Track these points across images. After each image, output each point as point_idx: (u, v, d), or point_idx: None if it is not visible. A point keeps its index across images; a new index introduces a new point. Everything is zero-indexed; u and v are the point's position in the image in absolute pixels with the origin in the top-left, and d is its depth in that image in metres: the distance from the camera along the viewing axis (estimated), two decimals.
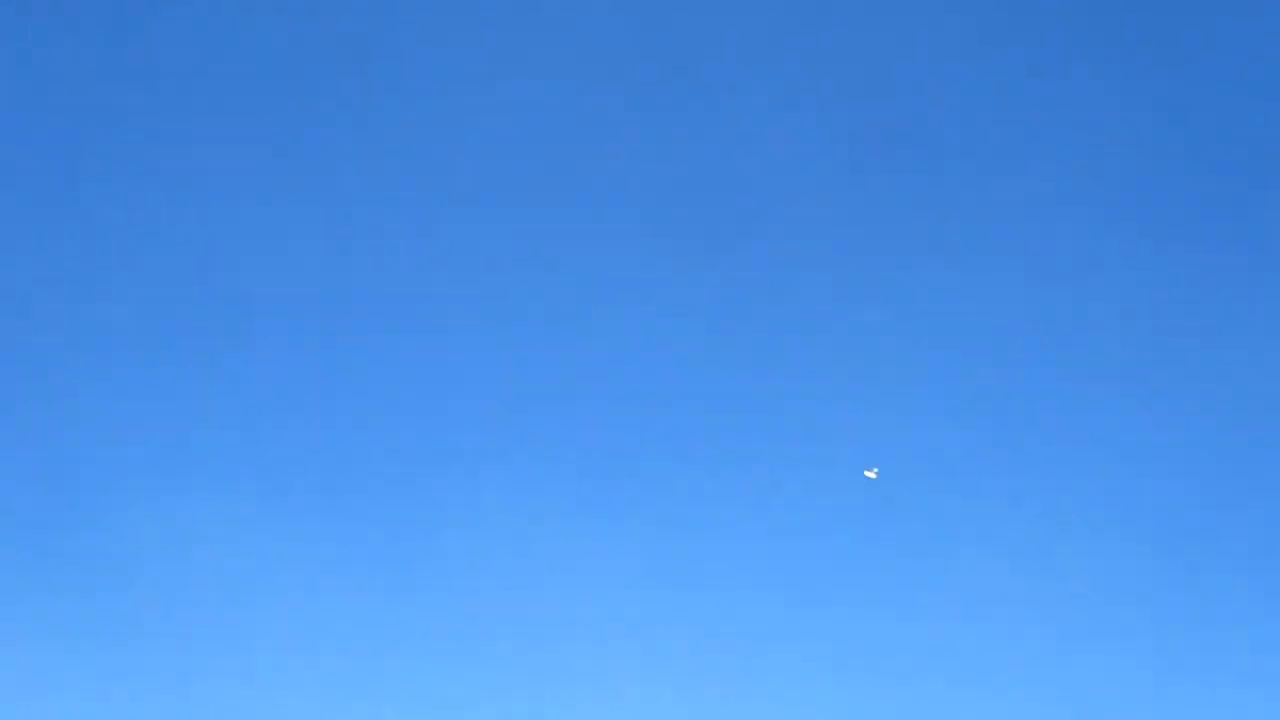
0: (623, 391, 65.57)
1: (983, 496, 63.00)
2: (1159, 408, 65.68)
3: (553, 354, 66.52)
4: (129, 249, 66.83)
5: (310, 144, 69.16)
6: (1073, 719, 57.51)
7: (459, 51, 70.69)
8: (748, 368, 65.92)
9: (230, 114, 68.95)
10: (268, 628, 58.71)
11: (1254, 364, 66.18)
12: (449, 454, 63.88)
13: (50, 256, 65.96)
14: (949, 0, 70.86)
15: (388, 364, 65.68)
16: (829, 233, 68.91)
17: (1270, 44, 69.91)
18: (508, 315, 67.05)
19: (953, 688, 58.42)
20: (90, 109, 67.97)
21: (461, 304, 67.22)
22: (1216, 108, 70.31)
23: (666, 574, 60.97)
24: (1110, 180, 70.08)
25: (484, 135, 69.68)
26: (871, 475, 61.00)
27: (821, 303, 67.47)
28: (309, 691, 56.86)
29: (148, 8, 69.01)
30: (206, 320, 65.46)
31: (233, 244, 67.35)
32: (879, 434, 63.87)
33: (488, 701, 57.32)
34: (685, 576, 61.03)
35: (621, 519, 62.54)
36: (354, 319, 66.47)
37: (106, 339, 64.81)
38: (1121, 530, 62.47)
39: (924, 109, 70.38)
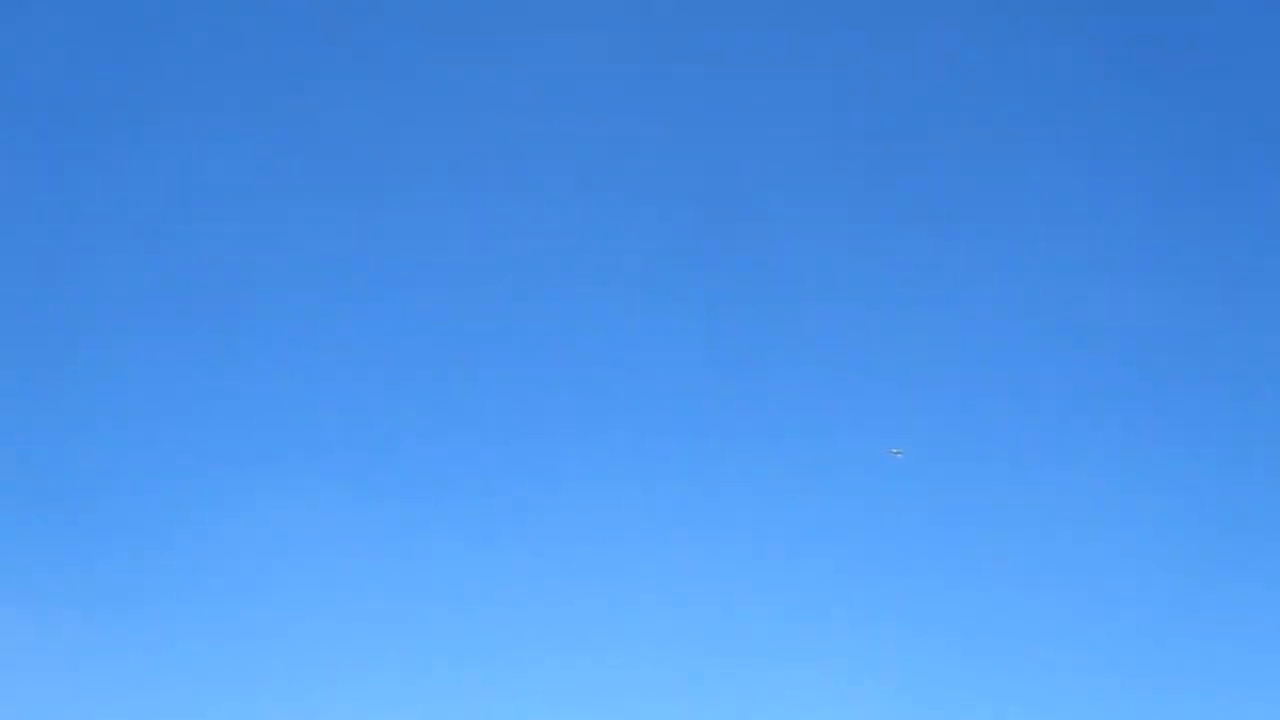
0: (637, 384, 65.83)
1: (989, 488, 63.73)
2: (1165, 398, 66.40)
3: (560, 347, 66.94)
4: (163, 250, 67.34)
5: (317, 137, 69.85)
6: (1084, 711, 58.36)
7: (464, 47, 70.88)
8: (755, 362, 66.35)
9: (236, 108, 69.52)
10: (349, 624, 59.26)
11: (1261, 355, 66.99)
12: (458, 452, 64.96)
13: (78, 255, 66.44)
14: (956, 1, 71.70)
15: (423, 373, 66.54)
16: (838, 228, 69.33)
17: (1271, 43, 70.52)
18: (527, 310, 67.73)
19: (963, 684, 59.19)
20: (92, 107, 68.59)
21: (483, 300, 67.91)
22: (1224, 105, 70.87)
23: (688, 567, 61.47)
24: (1116, 176, 70.53)
25: (492, 134, 70.04)
26: (896, 453, 60.87)
27: (828, 297, 68.02)
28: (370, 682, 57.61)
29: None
30: (245, 322, 66.14)
31: (263, 251, 67.60)
32: (889, 426, 64.44)
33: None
34: (704, 568, 61.59)
35: (637, 513, 62.99)
36: (376, 322, 67.29)
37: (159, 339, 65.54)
38: (1131, 521, 63.12)
39: (931, 106, 70.67)
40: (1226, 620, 60.11)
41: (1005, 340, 67.35)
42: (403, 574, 60.50)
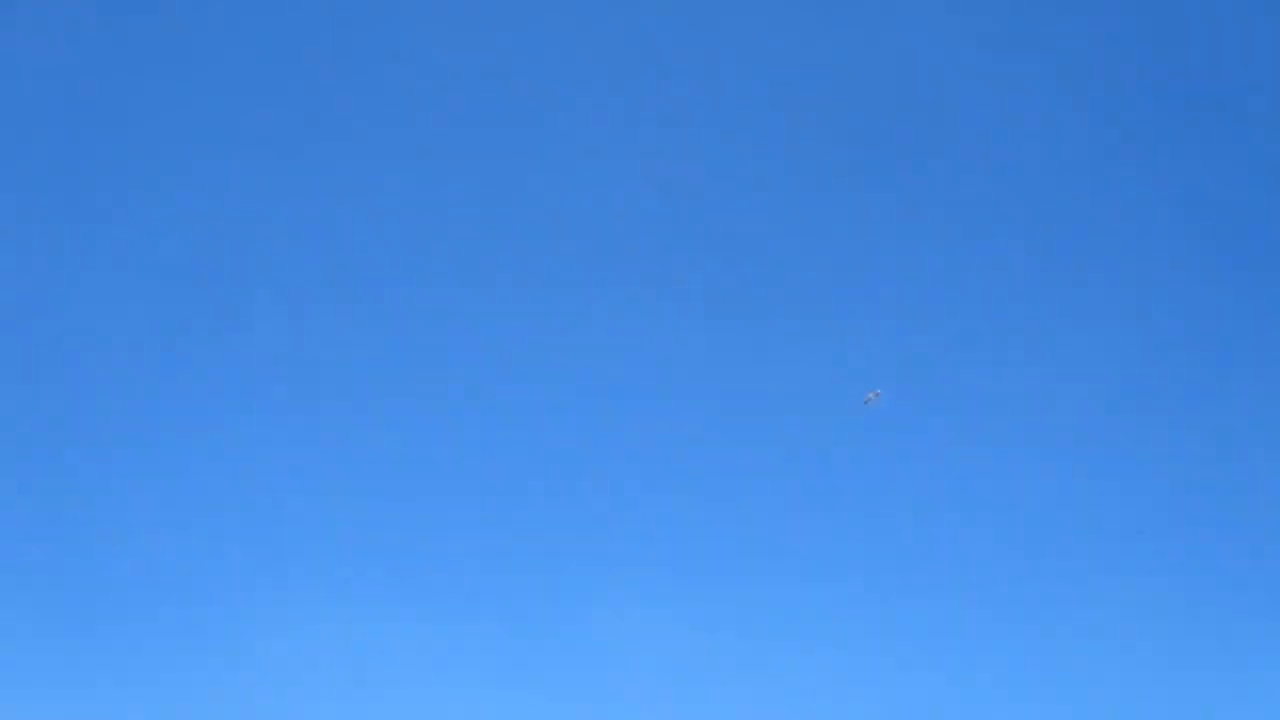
0: (628, 388, 65.86)
1: (984, 497, 63.81)
2: (1160, 409, 66.47)
3: (552, 354, 67.10)
4: (141, 256, 67.07)
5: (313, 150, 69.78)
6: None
7: (456, 58, 70.70)
8: (748, 364, 66.36)
9: (255, 124, 69.33)
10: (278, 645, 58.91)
11: (1257, 364, 67.08)
12: (455, 472, 64.46)
13: (65, 266, 66.15)
14: (954, 4, 71.44)
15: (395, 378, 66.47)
16: (832, 233, 69.32)
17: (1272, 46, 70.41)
18: (515, 322, 67.59)
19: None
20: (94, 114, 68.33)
21: (471, 319, 67.63)
22: (1221, 109, 70.78)
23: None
24: (1116, 174, 70.54)
25: (486, 138, 70.05)
26: (874, 396, 59.33)
27: (823, 302, 68.06)
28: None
29: (148, 7, 69.22)
30: (211, 331, 65.62)
31: (244, 256, 67.64)
32: (882, 435, 64.54)
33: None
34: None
35: (637, 514, 63.06)
36: (358, 332, 67.01)
37: (119, 346, 65.14)
38: (1116, 533, 63.21)
39: (928, 112, 70.48)
40: (1225, 620, 60.53)
41: (1005, 336, 67.57)
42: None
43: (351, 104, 69.55)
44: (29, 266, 65.06)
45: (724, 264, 68.33)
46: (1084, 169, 70.26)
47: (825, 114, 70.23)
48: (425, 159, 69.75)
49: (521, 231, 68.45)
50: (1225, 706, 57.00)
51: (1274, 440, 64.12)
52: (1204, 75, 70.59)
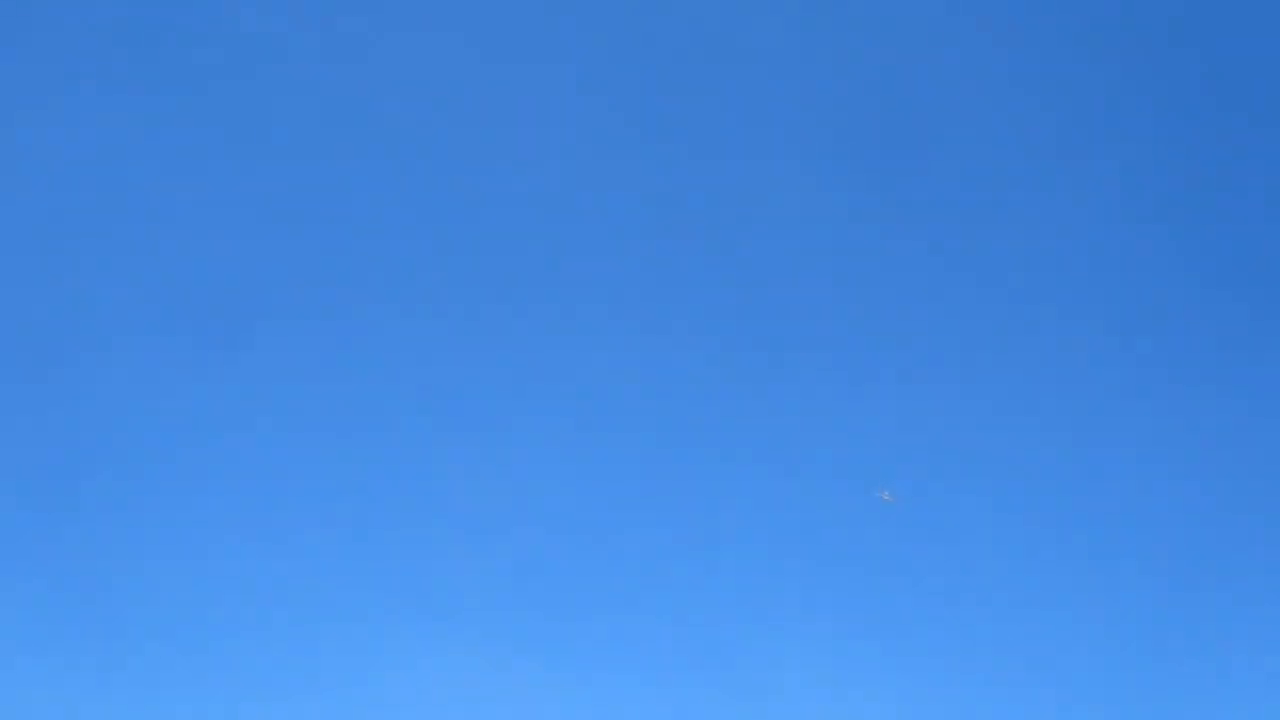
0: (620, 394, 65.95)
1: (986, 504, 63.68)
2: (1165, 411, 66.31)
3: (548, 355, 67.13)
4: (132, 239, 66.92)
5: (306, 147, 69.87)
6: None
7: (450, 56, 70.83)
8: (749, 374, 66.38)
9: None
10: (270, 635, 59.12)
11: (1261, 368, 66.77)
12: (449, 457, 64.27)
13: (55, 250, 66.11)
14: (954, 2, 71.45)
15: (388, 365, 66.25)
16: (830, 238, 69.44)
17: (1272, 45, 70.25)
18: (512, 316, 67.54)
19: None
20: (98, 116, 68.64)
21: (463, 304, 67.65)
22: (1225, 110, 70.54)
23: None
24: (1116, 184, 70.45)
25: (479, 138, 70.11)
26: (886, 497, 60.07)
27: (823, 308, 68.09)
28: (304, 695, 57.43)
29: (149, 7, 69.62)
30: (211, 321, 65.84)
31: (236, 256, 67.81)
32: (882, 444, 64.40)
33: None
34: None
35: (627, 517, 63.08)
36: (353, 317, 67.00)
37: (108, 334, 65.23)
38: (1129, 536, 63.12)
39: (929, 112, 70.59)
40: (1226, 624, 60.37)
41: (1008, 345, 67.54)
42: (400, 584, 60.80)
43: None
44: (31, 269, 65.69)
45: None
46: (1092, 166, 70.52)
47: (828, 112, 70.63)
48: (431, 164, 70.15)
49: (514, 236, 68.90)
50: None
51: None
52: (1207, 75, 70.74)
